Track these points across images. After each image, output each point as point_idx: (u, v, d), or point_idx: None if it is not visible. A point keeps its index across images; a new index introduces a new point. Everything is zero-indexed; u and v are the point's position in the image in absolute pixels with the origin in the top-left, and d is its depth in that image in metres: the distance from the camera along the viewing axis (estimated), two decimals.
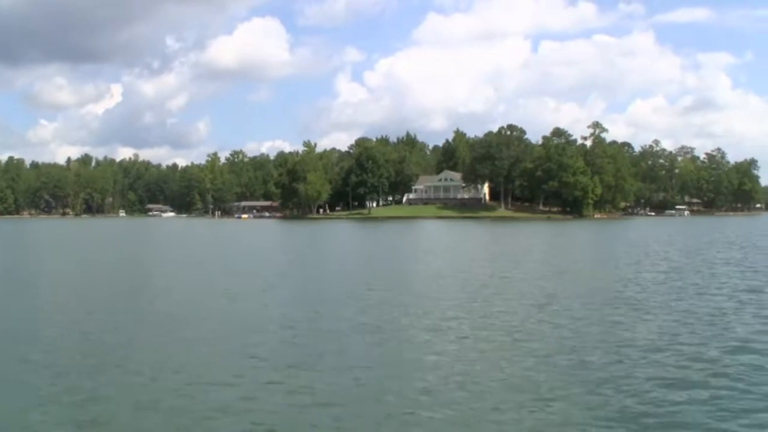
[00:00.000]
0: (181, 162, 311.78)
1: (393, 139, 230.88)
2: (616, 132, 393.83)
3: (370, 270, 39.07)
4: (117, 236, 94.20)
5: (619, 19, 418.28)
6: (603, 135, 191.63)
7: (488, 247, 62.41)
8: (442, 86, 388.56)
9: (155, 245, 70.43)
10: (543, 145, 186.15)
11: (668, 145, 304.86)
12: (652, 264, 41.14)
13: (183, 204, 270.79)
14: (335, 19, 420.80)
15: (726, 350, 16.35)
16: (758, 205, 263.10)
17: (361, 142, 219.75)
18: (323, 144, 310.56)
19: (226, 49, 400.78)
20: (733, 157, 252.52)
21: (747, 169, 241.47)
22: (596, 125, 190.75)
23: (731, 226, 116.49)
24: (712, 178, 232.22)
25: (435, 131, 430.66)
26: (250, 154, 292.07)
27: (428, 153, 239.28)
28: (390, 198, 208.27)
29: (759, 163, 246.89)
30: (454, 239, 76.80)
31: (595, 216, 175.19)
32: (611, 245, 65.03)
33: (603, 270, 38.43)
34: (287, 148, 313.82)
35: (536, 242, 69.73)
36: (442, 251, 55.85)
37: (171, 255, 55.03)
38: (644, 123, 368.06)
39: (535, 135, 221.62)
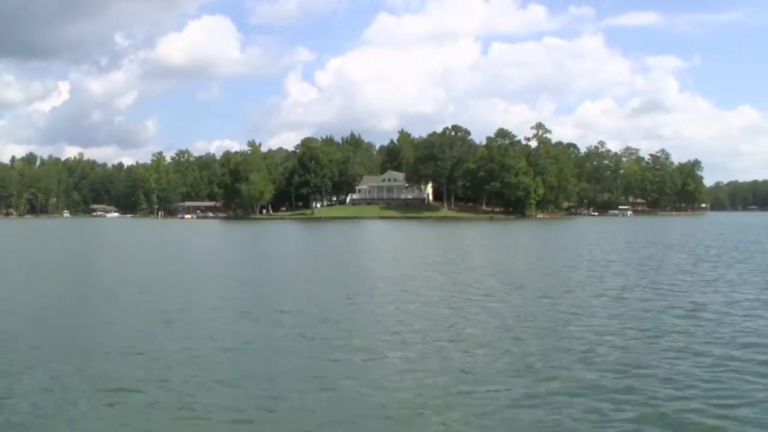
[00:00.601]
0: (128, 161, 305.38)
1: (343, 139, 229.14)
2: (565, 133, 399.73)
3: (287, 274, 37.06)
4: (48, 238, 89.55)
5: (569, 22, 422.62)
6: (546, 136, 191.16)
7: (409, 247, 61.67)
8: (393, 86, 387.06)
9: (76, 248, 66.46)
10: (486, 145, 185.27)
11: (616, 146, 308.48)
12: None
13: (128, 204, 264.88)
14: (287, 18, 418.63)
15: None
16: (703, 205, 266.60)
17: (306, 142, 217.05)
18: (273, 144, 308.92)
19: (176, 47, 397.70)
20: (682, 158, 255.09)
21: (691, 170, 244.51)
22: (539, 126, 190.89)
23: (664, 226, 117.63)
24: (657, 179, 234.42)
25: (386, 131, 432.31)
26: (200, 154, 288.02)
27: (375, 153, 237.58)
28: (334, 198, 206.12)
29: (703, 164, 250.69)
30: (385, 240, 75.69)
31: (538, 216, 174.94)
32: (535, 244, 64.94)
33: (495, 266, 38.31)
34: (236, 147, 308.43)
35: (466, 242, 68.84)
36: (362, 252, 54.98)
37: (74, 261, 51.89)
38: (593, 124, 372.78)
39: (484, 136, 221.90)
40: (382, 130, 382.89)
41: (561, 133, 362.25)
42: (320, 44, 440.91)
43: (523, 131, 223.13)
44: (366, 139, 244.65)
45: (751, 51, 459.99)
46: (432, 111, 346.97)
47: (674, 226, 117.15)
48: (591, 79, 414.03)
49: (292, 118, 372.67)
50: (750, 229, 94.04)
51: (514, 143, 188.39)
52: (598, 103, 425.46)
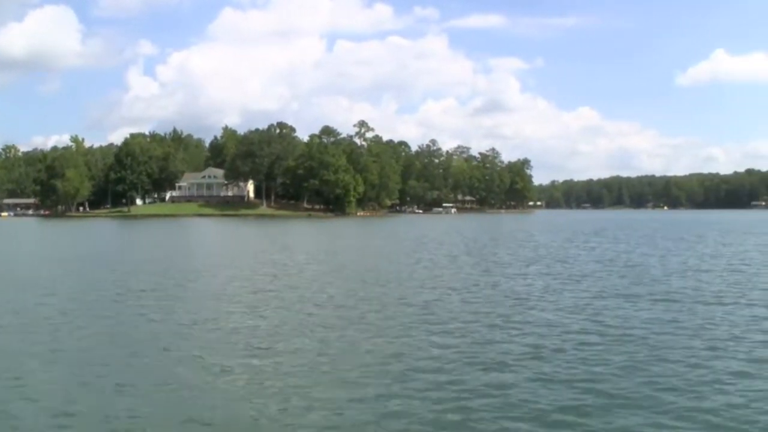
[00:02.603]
0: None
1: (166, 134, 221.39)
2: (407, 132, 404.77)
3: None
4: None
5: (414, 22, 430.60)
6: (369, 134, 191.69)
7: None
8: (236, 83, 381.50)
9: None
10: (306, 143, 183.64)
11: (454, 145, 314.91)
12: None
13: None
14: (130, 11, 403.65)
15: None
16: (538, 203, 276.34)
17: (130, 140, 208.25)
18: (113, 138, 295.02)
19: (16, 37, 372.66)
20: (522, 157, 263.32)
21: (520, 168, 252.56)
22: (362, 124, 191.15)
23: (470, 223, 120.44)
24: (487, 177, 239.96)
25: (229, 128, 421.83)
26: (38, 149, 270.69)
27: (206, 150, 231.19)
28: (156, 195, 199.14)
29: (542, 164, 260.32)
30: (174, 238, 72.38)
31: (358, 214, 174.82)
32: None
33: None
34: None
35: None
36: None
37: None
38: (435, 123, 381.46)
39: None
40: (225, 127, 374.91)
41: (403, 131, 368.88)
42: (164, 38, 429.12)
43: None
44: (209, 135, 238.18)
45: (592, 54, 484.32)
46: (275, 108, 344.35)
47: (480, 223, 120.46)
48: (434, 79, 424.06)
49: (133, 114, 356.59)
50: (536, 225, 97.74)
51: (339, 141, 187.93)
52: (441, 103, 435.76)
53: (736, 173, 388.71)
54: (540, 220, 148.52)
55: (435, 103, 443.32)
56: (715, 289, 25.05)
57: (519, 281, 28.00)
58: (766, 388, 11.96)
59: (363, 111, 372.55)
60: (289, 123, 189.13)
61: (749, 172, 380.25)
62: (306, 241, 65.40)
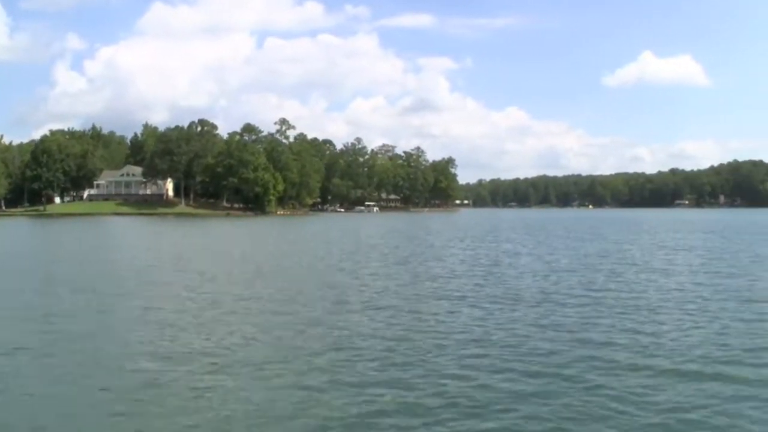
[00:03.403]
0: None
1: (117, 131, 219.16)
2: (336, 130, 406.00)
3: None
4: None
5: (345, 21, 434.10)
6: (290, 132, 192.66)
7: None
8: (165, 78, 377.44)
9: None
10: (226, 141, 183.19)
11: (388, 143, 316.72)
12: None
13: None
14: (59, 4, 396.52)
15: None
16: (465, 202, 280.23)
17: (48, 137, 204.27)
18: (38, 135, 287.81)
19: None
20: (454, 157, 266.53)
21: (444, 167, 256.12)
22: (283, 122, 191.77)
23: (386, 222, 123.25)
24: (411, 176, 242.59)
25: (157, 125, 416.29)
26: None
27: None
28: (74, 194, 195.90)
29: (471, 162, 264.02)
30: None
31: (278, 213, 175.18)
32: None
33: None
34: None
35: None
36: None
37: None
38: (364, 122, 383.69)
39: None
40: (153, 123, 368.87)
41: (333, 130, 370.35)
42: (92, 32, 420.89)
43: (297, 127, 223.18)
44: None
45: (521, 55, 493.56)
46: (204, 105, 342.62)
47: (394, 222, 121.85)
48: (364, 78, 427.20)
49: (59, 109, 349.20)
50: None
51: (260, 139, 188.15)
52: (370, 101, 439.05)
53: (660, 173, 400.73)
54: (455, 219, 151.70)
55: (364, 102, 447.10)
56: (551, 289, 25.63)
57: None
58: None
59: (292, 108, 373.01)
60: (218, 120, 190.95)
61: (673, 171, 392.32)
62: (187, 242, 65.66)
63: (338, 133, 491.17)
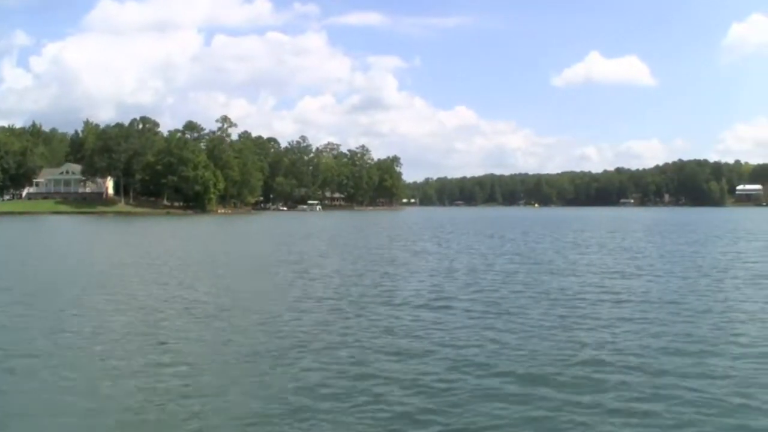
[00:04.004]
0: None
1: (64, 129, 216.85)
2: (284, 128, 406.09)
3: None
4: None
5: (294, 18, 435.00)
6: (231, 130, 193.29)
7: None
8: (112, 76, 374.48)
9: None
10: (166, 138, 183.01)
11: (336, 142, 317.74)
12: None
13: None
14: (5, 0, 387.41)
15: None
16: (412, 200, 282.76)
17: None
18: None
19: None
20: (402, 155, 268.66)
21: (389, 166, 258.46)
22: (224, 120, 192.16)
23: (319, 221, 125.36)
24: (356, 174, 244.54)
25: (104, 122, 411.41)
26: None
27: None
28: (13, 192, 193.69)
29: (419, 161, 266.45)
30: None
31: (219, 211, 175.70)
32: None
33: None
34: None
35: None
36: None
37: None
38: (312, 120, 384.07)
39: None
40: (100, 121, 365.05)
41: (280, 128, 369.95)
42: (39, 28, 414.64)
43: (243, 125, 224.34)
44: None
45: (470, 55, 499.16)
46: (151, 102, 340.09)
47: (325, 221, 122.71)
48: (312, 76, 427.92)
49: (5, 106, 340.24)
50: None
51: (202, 137, 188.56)
52: (319, 99, 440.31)
53: (606, 172, 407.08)
54: (391, 218, 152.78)
55: (312, 100, 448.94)
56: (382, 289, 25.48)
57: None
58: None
59: (240, 107, 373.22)
60: (165, 118, 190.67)
61: (619, 170, 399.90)
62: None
63: (286, 131, 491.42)
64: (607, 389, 12.17)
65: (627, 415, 10.81)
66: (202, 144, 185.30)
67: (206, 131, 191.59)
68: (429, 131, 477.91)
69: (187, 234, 76.77)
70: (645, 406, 11.20)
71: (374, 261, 38.15)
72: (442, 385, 12.49)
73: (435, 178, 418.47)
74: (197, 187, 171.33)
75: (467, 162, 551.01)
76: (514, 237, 64.29)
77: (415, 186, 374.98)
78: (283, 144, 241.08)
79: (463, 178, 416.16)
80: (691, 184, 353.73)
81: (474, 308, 20.95)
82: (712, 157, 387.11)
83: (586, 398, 11.68)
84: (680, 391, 11.91)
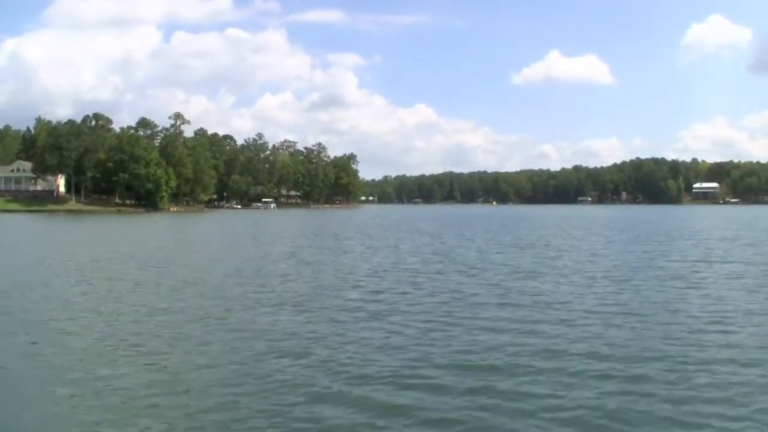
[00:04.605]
0: None
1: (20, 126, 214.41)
2: (243, 126, 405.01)
3: None
4: None
5: (254, 15, 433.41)
6: (185, 127, 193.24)
7: None
8: (70, 72, 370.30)
9: None
10: (117, 135, 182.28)
11: (296, 140, 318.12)
12: None
13: None
14: None
15: None
16: (370, 198, 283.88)
17: None
18: None
19: None
20: (360, 153, 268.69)
21: (346, 163, 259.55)
22: (177, 116, 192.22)
23: (271, 218, 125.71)
24: (312, 172, 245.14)
25: (61, 119, 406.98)
26: None
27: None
28: None
29: (378, 159, 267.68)
30: None
31: (172, 209, 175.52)
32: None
33: None
34: None
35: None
36: None
37: None
38: (271, 118, 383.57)
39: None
40: (57, 118, 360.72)
41: (239, 125, 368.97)
42: None
43: (202, 122, 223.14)
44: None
45: (430, 52, 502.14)
46: (109, 99, 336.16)
47: (268, 220, 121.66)
48: (272, 73, 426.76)
49: None
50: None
51: (155, 134, 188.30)
52: (278, 97, 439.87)
53: (564, 170, 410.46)
54: (341, 216, 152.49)
55: (272, 97, 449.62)
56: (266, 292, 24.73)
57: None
58: None
59: (199, 104, 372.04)
60: (123, 115, 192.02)
61: (577, 168, 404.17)
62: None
63: (245, 129, 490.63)
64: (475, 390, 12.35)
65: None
66: (156, 141, 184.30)
67: (159, 128, 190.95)
68: (389, 129, 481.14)
69: (117, 233, 75.19)
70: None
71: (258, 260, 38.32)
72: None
73: (394, 176, 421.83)
74: (149, 185, 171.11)
75: (427, 160, 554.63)
76: (446, 236, 63.05)
77: (374, 184, 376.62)
78: (240, 141, 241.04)
79: (422, 176, 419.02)
80: (649, 182, 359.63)
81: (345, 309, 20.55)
82: (671, 156, 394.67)
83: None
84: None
